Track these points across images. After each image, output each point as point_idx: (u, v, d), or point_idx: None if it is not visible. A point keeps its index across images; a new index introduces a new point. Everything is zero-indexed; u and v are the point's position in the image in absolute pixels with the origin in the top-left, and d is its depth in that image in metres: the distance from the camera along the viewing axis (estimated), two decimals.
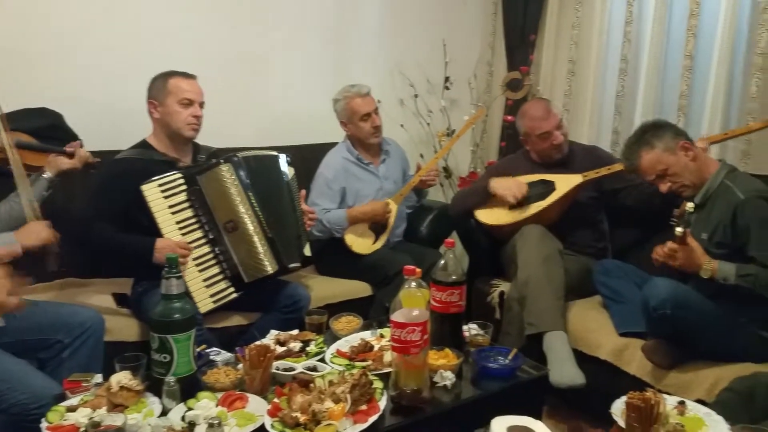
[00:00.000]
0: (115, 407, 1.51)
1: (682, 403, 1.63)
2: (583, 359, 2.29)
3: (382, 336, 1.98)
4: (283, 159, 2.54)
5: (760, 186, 2.10)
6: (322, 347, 1.90)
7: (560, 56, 3.50)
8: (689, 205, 1.98)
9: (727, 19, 2.71)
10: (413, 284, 1.62)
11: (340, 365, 1.79)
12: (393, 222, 2.89)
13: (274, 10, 3.18)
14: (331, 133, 3.08)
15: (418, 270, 1.63)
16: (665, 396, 1.53)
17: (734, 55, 2.73)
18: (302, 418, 1.45)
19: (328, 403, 1.50)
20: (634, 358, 2.16)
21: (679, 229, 1.98)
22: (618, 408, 1.62)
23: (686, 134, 2.27)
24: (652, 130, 2.26)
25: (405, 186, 2.97)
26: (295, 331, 1.98)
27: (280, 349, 1.83)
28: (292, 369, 1.73)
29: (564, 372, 2.21)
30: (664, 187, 2.24)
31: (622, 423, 1.55)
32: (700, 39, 2.85)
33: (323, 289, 2.65)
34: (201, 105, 2.36)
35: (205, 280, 2.27)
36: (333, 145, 3.00)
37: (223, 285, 2.30)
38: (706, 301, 2.04)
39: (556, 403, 2.34)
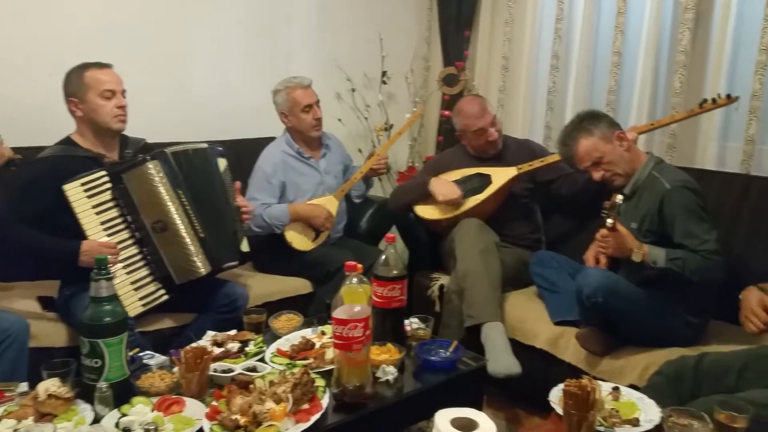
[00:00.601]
0: (43, 417, 1.43)
1: (616, 389, 1.68)
2: (520, 348, 2.34)
3: (323, 333, 1.96)
4: (214, 151, 2.45)
5: (684, 177, 2.19)
6: (261, 347, 1.87)
7: (494, 52, 3.56)
8: (619, 197, 2.04)
9: (652, 18, 2.81)
10: (354, 280, 1.60)
11: (280, 365, 1.76)
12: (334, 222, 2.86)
13: (206, 3, 3.09)
14: (268, 127, 3.03)
15: (360, 266, 1.62)
16: (600, 382, 1.57)
17: (659, 52, 2.84)
18: (242, 420, 1.42)
19: (269, 404, 1.47)
20: (568, 346, 2.22)
21: (609, 221, 2.04)
22: (555, 395, 1.66)
23: (620, 125, 2.35)
24: (589, 119, 2.34)
25: (350, 179, 2.95)
26: (233, 332, 1.94)
27: (217, 351, 1.78)
28: (230, 370, 1.69)
29: (501, 362, 2.25)
30: (597, 174, 2.31)
31: (559, 410, 1.58)
32: (627, 36, 2.95)
33: (262, 287, 2.60)
34: (123, 94, 2.25)
35: (133, 282, 2.18)
36: (271, 139, 2.94)
37: (152, 287, 2.21)
38: (636, 289, 2.12)
39: (495, 393, 2.38)
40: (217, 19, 3.14)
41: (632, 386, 1.79)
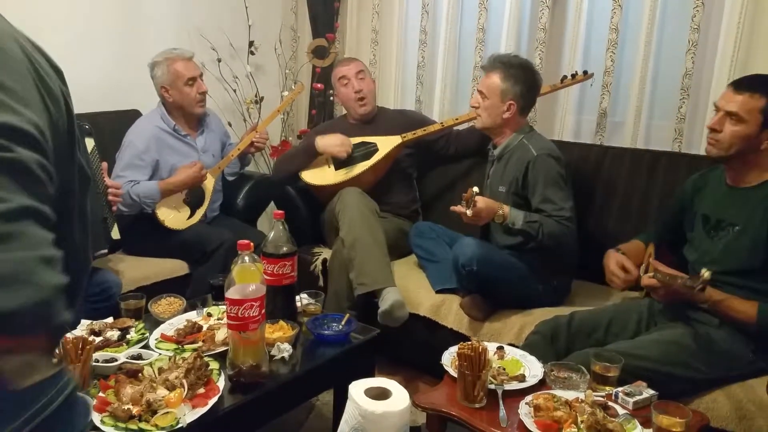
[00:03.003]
0: None
1: (500, 348, 1.80)
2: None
3: (209, 315, 1.89)
4: (81, 130, 2.23)
5: (551, 146, 2.34)
6: (144, 333, 1.77)
7: (363, 25, 3.55)
8: (474, 189, 2.13)
9: None
10: (247, 259, 1.56)
11: (167, 350, 1.68)
12: (210, 195, 2.74)
13: None
14: (127, 100, 2.81)
15: (252, 244, 1.57)
16: (485, 343, 1.67)
17: (520, 29, 2.99)
18: (135, 410, 1.34)
19: (162, 391, 1.41)
20: (450, 312, 2.32)
21: (469, 212, 2.12)
22: (447, 359, 1.74)
23: (529, 103, 2.40)
24: (521, 72, 2.33)
25: (225, 157, 2.83)
26: (110, 319, 1.81)
27: (96, 340, 1.66)
28: (114, 360, 1.59)
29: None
30: (473, 101, 2.43)
31: (453, 372, 1.66)
32: (491, 13, 3.07)
33: (135, 271, 2.44)
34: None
35: None
36: (132, 112, 2.74)
37: None
38: (507, 257, 2.26)
39: (383, 361, 2.44)
40: None
41: (511, 345, 1.91)
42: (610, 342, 1.86)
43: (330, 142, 2.78)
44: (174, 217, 2.63)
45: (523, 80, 2.34)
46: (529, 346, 1.91)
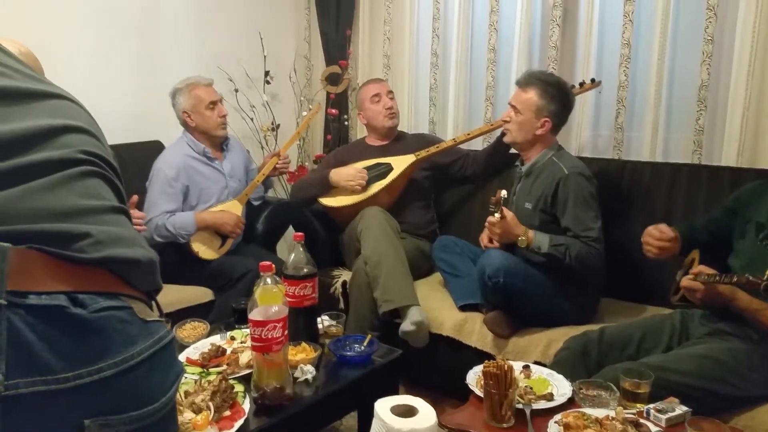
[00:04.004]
0: None
1: (526, 366, 1.77)
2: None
3: (233, 338, 1.90)
4: None
5: (581, 164, 2.33)
6: None
7: (375, 51, 3.60)
8: (503, 192, 2.13)
9: (524, 15, 2.96)
10: (269, 281, 1.56)
11: (192, 374, 1.68)
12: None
13: (79, 4, 2.86)
14: (149, 131, 2.86)
15: (273, 266, 1.58)
16: (510, 362, 1.64)
17: (531, 47, 3.01)
18: None
19: (189, 414, 1.41)
20: (473, 330, 2.29)
21: (497, 215, 2.14)
22: (472, 378, 1.72)
23: (561, 123, 2.41)
24: (558, 92, 2.34)
25: (250, 183, 2.86)
26: None
27: None
28: None
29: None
30: (505, 115, 2.45)
31: (478, 392, 1.64)
32: (501, 34, 3.09)
33: (161, 296, 2.42)
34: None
35: None
36: (154, 143, 2.79)
37: None
38: (534, 271, 2.22)
39: (409, 384, 2.41)
40: (93, 20, 2.92)
41: (537, 363, 1.88)
42: (642, 357, 1.82)
43: (344, 176, 2.81)
44: (207, 247, 2.66)
45: (559, 99, 2.34)
46: (558, 363, 1.88)
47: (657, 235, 1.95)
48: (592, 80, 2.66)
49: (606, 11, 2.75)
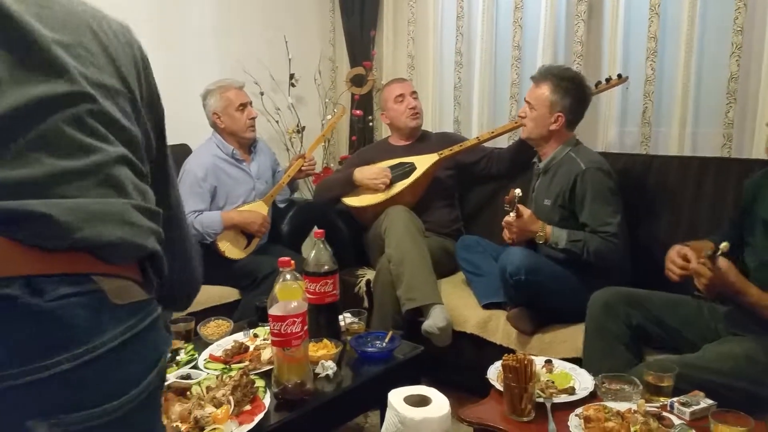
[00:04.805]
0: None
1: (549, 362, 1.75)
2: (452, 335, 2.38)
3: (255, 336, 1.92)
4: None
5: (600, 159, 2.29)
6: (192, 355, 1.80)
7: (399, 51, 3.61)
8: (517, 191, 2.13)
9: (548, 11, 2.94)
10: (288, 276, 1.58)
11: (215, 370, 1.70)
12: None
13: (106, 9, 2.93)
14: (174, 136, 2.88)
15: (293, 261, 1.60)
16: (532, 357, 1.63)
17: (556, 43, 2.98)
18: (184, 427, 1.37)
19: (210, 408, 1.43)
20: (498, 328, 2.28)
21: (512, 214, 2.14)
22: (493, 373, 1.71)
23: (576, 119, 2.37)
24: (573, 86, 2.31)
25: (276, 185, 2.90)
26: None
27: None
28: None
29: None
30: (521, 110, 2.43)
31: (498, 386, 1.63)
32: (526, 30, 3.07)
33: None
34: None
35: None
36: (182, 147, 2.84)
37: None
38: (556, 266, 2.21)
39: (431, 380, 2.40)
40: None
41: (562, 359, 1.86)
42: (673, 328, 1.83)
43: (368, 175, 2.82)
44: (233, 247, 2.69)
45: (573, 93, 2.31)
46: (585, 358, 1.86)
47: (680, 263, 1.83)
48: (619, 76, 2.61)
49: (632, 5, 2.71)
